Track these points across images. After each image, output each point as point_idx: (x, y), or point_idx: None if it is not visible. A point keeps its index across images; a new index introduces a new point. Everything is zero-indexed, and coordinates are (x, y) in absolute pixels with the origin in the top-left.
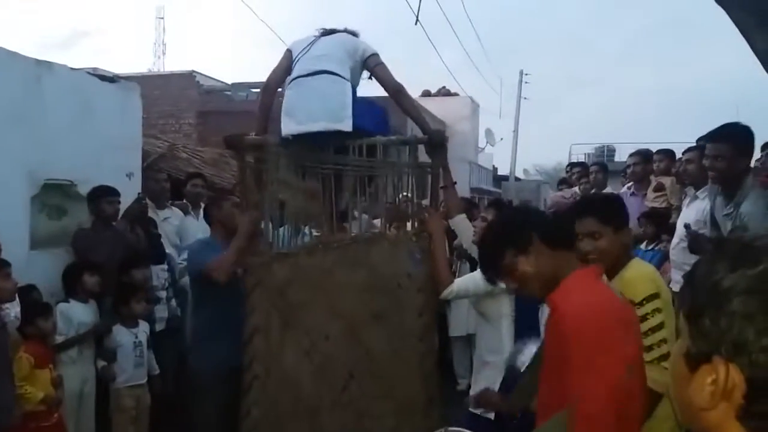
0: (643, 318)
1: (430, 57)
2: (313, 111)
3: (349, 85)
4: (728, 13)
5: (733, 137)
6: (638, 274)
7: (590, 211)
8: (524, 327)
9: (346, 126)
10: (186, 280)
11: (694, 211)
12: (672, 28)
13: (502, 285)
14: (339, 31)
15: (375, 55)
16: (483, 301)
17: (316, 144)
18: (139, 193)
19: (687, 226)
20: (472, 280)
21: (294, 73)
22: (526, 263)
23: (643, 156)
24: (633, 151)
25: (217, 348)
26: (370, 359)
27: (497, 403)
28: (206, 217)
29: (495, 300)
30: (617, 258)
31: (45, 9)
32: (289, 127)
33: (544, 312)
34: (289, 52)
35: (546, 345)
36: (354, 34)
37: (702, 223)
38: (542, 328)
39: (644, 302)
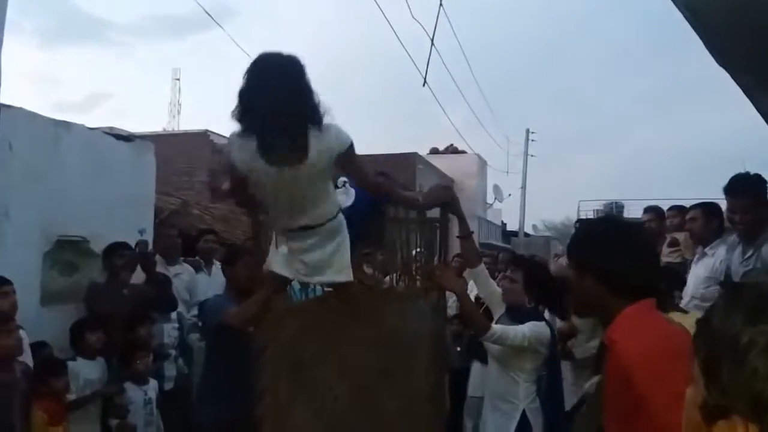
0: None
1: (438, 116)
2: (309, 269)
3: (342, 224)
4: (731, 75)
5: (752, 188)
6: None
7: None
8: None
9: (346, 277)
10: (192, 337)
11: (703, 268)
12: (677, 88)
13: (536, 344)
14: (303, 146)
15: (346, 150)
16: (512, 354)
17: None
18: (139, 239)
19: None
20: (513, 330)
21: (279, 224)
22: (578, 282)
23: (657, 212)
24: (644, 207)
25: (225, 404)
26: (379, 419)
27: None
28: (225, 274)
29: (523, 356)
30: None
31: (65, 72)
32: (280, 270)
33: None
34: (240, 174)
35: (607, 386)
36: (319, 122)
37: (713, 280)
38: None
39: None
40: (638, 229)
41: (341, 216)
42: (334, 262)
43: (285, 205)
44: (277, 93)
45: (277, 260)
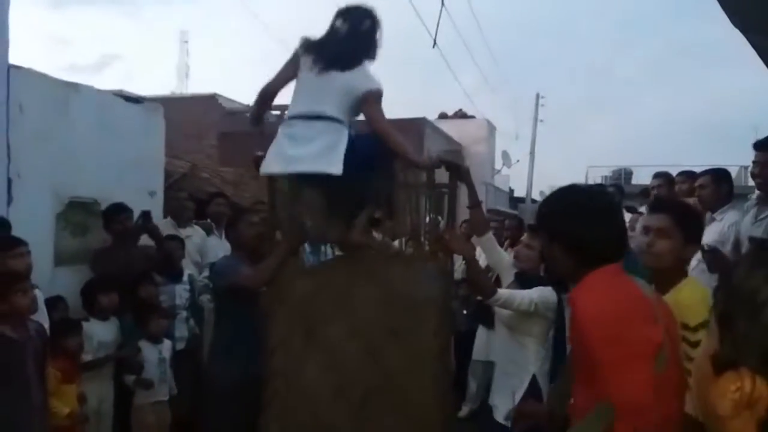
0: (697, 344)
1: (447, 80)
2: (302, 154)
3: (345, 131)
4: (745, 35)
5: None
6: (693, 296)
7: (668, 210)
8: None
9: (336, 170)
10: (203, 298)
11: (712, 233)
12: (688, 51)
13: (542, 309)
14: (348, 65)
15: (368, 92)
16: (519, 319)
17: (304, 182)
18: (142, 210)
19: (703, 247)
20: (519, 295)
21: (293, 108)
22: (549, 250)
23: (667, 178)
24: (653, 173)
25: (236, 363)
26: (387, 377)
27: (542, 413)
28: (228, 237)
29: (530, 321)
30: (670, 270)
31: (75, 33)
32: (271, 166)
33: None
34: (296, 58)
35: (572, 346)
36: (370, 58)
37: (721, 244)
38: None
39: (699, 328)
40: (604, 196)
41: (346, 128)
42: (327, 154)
43: (304, 98)
44: (352, 24)
45: (270, 158)
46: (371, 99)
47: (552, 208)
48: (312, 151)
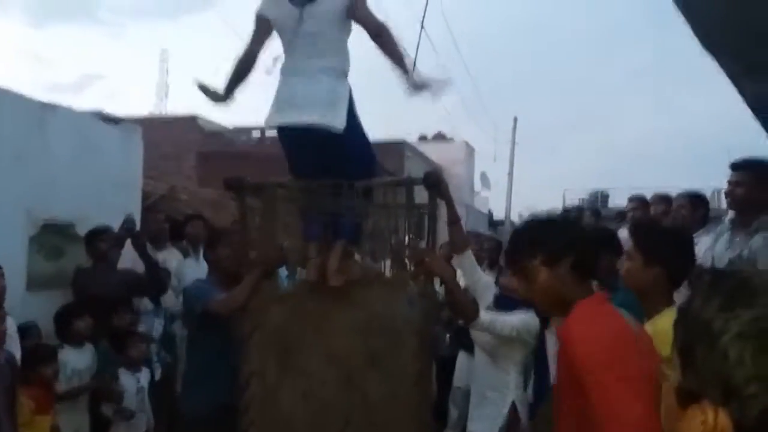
0: None
1: (426, 103)
2: (301, 103)
3: (347, 85)
4: (716, 60)
5: (755, 167)
6: (671, 326)
7: (631, 231)
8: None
9: (338, 124)
10: (176, 325)
11: None
12: (661, 75)
13: (524, 335)
14: None
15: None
16: (499, 344)
17: (303, 145)
18: (125, 216)
19: None
20: (501, 320)
21: (286, 64)
22: (546, 277)
23: (641, 201)
24: (628, 196)
25: (211, 391)
26: (366, 405)
27: None
28: (206, 258)
29: (511, 347)
30: (652, 295)
31: (56, 52)
32: (273, 118)
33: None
34: (265, 21)
35: (559, 376)
36: None
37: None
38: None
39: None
40: (576, 214)
41: (347, 81)
42: (326, 104)
43: (298, 44)
44: None
45: (270, 111)
46: (359, 2)
47: (550, 230)
48: (315, 100)
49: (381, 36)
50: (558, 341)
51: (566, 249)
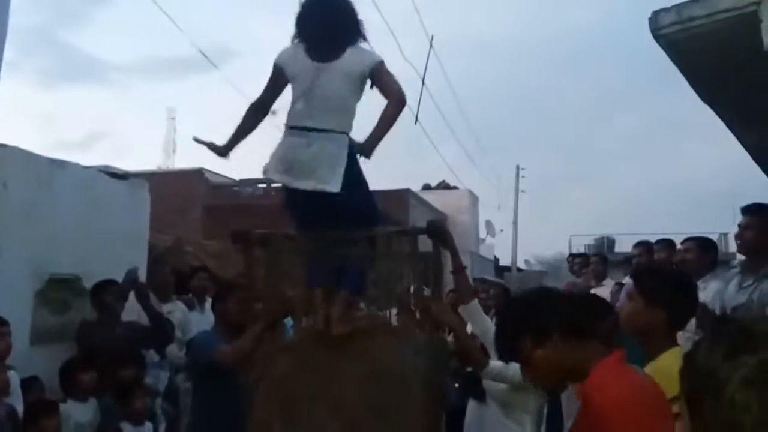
0: (675, 417)
1: (429, 153)
2: (300, 168)
3: (347, 142)
4: (716, 111)
5: (764, 211)
6: (673, 367)
7: (634, 275)
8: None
9: (335, 186)
10: (179, 377)
11: None
12: (665, 126)
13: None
14: (341, 46)
15: (379, 64)
16: (512, 393)
17: (303, 201)
18: (129, 268)
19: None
20: (513, 367)
21: (292, 118)
22: (544, 356)
23: (646, 247)
24: (634, 242)
25: None
26: None
27: None
28: (214, 310)
29: (524, 395)
30: (654, 338)
31: (65, 111)
32: (272, 173)
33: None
34: (280, 70)
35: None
36: (360, 36)
37: None
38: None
39: (674, 401)
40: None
41: (348, 140)
42: (324, 169)
43: (308, 100)
44: (327, 8)
45: (270, 163)
46: (383, 68)
47: (570, 301)
48: (315, 166)
49: (396, 105)
50: (577, 397)
51: (550, 323)
